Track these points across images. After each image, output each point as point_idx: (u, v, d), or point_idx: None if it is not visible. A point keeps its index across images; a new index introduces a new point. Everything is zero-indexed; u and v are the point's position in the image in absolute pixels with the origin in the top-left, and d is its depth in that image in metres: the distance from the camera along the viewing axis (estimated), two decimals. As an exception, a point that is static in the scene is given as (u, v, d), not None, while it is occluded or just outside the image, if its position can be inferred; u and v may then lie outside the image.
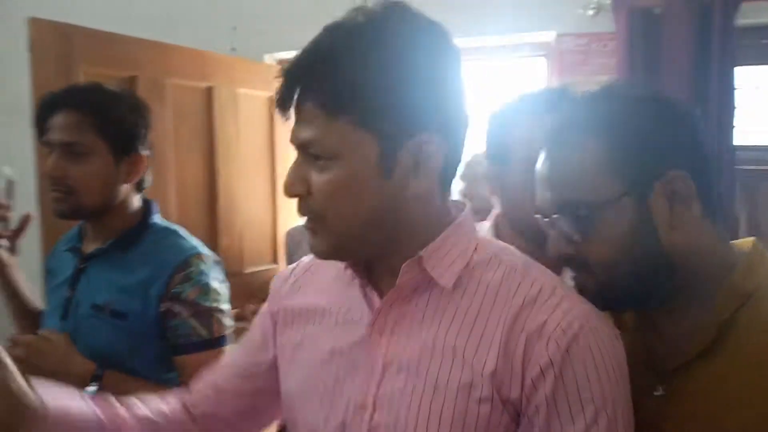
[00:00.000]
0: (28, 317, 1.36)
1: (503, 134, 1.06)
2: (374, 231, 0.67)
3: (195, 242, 1.25)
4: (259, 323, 0.87)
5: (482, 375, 0.64)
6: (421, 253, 0.67)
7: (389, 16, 0.65)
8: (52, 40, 1.69)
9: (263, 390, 0.85)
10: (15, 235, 1.31)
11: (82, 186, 1.18)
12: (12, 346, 1.12)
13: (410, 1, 0.66)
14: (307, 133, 0.65)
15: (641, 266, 0.70)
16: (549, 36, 2.17)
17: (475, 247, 0.70)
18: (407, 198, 0.66)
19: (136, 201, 1.29)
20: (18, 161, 2.04)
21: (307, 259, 0.85)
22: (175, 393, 0.89)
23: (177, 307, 1.15)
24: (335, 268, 0.76)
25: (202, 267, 1.18)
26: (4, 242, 1.29)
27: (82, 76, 1.72)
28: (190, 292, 1.15)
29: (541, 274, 0.69)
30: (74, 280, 1.26)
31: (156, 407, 0.84)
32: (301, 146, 0.66)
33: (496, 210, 1.14)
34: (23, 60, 1.70)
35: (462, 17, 1.84)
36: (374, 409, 0.68)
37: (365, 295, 0.72)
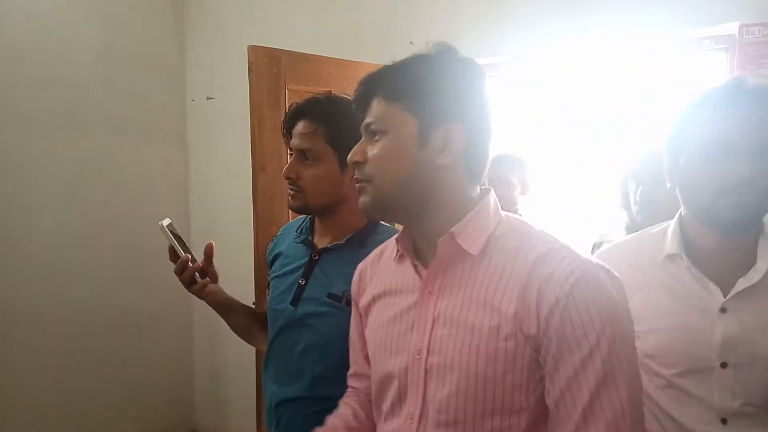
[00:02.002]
0: (252, 328, 1.51)
1: (684, 129, 1.08)
2: (408, 192, 0.89)
3: None
4: (354, 314, 1.14)
5: (507, 317, 0.82)
6: (453, 229, 0.87)
7: (438, 50, 0.92)
8: (265, 63, 2.02)
9: None
10: (207, 265, 1.43)
11: (310, 187, 1.30)
12: None
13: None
14: (370, 117, 0.92)
15: None
16: (731, 28, 2.07)
17: (497, 223, 0.90)
18: (436, 168, 0.88)
19: None
20: (240, 163, 2.45)
21: (377, 251, 1.11)
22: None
23: None
24: (392, 254, 1.03)
25: None
26: (206, 278, 1.41)
27: (287, 92, 2.04)
28: None
29: (550, 239, 0.88)
30: (308, 271, 1.35)
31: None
32: (365, 127, 0.93)
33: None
34: (243, 79, 2.06)
35: (630, 12, 1.85)
36: (428, 353, 0.89)
37: (416, 270, 0.95)
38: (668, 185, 1.14)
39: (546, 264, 0.83)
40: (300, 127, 1.31)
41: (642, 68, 2.02)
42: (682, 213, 1.14)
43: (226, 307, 1.48)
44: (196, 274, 1.40)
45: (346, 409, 1.11)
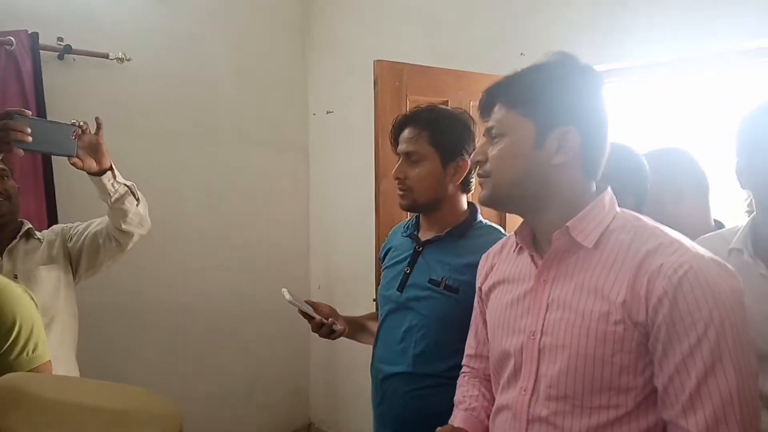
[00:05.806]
0: (364, 330, 1.78)
1: (754, 132, 1.13)
2: (524, 188, 0.98)
3: None
4: (477, 299, 1.24)
5: (616, 304, 0.86)
6: (568, 224, 0.94)
7: (555, 59, 1.00)
8: (389, 76, 2.17)
9: None
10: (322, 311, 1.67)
11: (416, 185, 1.47)
12: None
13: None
14: (492, 122, 1.01)
15: None
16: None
17: (613, 217, 0.95)
18: (551, 167, 0.96)
19: (463, 201, 1.54)
20: (355, 170, 2.63)
21: (498, 244, 1.21)
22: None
23: None
24: (512, 246, 1.13)
25: None
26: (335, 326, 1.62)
27: (408, 102, 2.18)
28: None
29: (662, 234, 0.89)
30: (413, 260, 1.52)
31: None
32: (487, 130, 1.03)
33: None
34: (358, 94, 2.23)
35: (701, 23, 1.80)
36: (542, 334, 0.97)
37: (533, 260, 1.03)
38: (740, 185, 1.19)
39: (656, 257, 0.87)
40: (406, 133, 1.49)
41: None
42: (756, 215, 1.19)
43: (356, 332, 1.75)
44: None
45: (473, 390, 1.22)
